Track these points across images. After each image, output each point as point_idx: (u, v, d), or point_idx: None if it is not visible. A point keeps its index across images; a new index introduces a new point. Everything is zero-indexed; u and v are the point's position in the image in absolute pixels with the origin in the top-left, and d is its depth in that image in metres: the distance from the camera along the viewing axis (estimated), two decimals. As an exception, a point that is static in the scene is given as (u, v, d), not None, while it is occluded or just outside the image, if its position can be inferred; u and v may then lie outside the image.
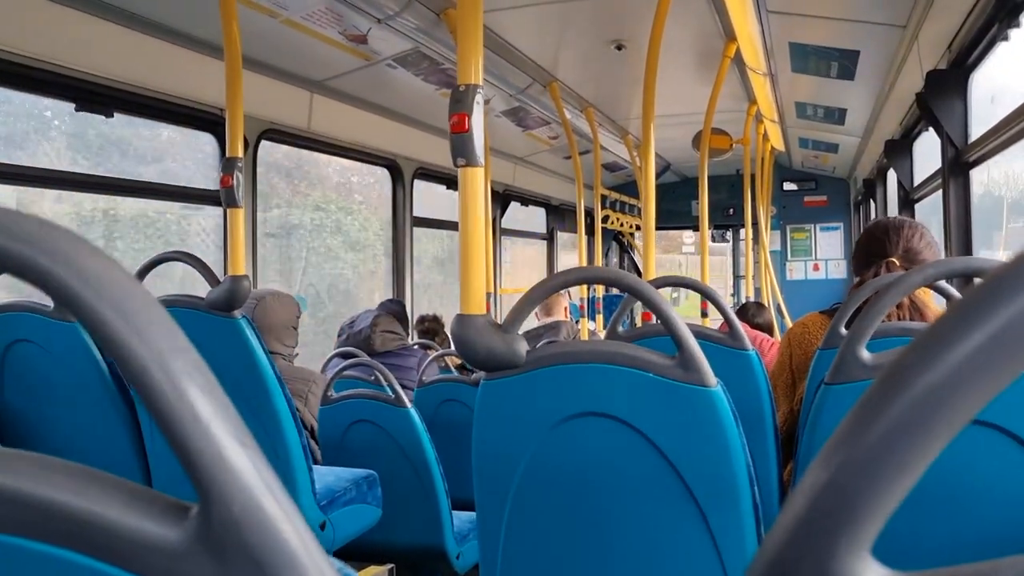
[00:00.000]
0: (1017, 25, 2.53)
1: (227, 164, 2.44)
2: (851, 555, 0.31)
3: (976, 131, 3.10)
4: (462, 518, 2.92)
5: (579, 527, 1.45)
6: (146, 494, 0.39)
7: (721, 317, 2.16)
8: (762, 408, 2.00)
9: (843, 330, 1.88)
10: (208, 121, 3.65)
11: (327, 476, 2.52)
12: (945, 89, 3.07)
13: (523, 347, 1.43)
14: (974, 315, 0.30)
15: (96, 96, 3.08)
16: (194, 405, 0.37)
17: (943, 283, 1.78)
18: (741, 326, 2.13)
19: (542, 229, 8.17)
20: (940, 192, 3.38)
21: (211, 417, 0.37)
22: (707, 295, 2.28)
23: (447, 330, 5.13)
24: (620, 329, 2.24)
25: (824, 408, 1.36)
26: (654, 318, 3.30)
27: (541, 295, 1.45)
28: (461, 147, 1.51)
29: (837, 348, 1.87)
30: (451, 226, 6.19)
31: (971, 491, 1.18)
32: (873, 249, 2.12)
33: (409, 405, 2.73)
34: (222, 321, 2.18)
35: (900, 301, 1.98)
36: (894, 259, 2.07)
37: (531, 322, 4.98)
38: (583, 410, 1.40)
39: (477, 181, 1.53)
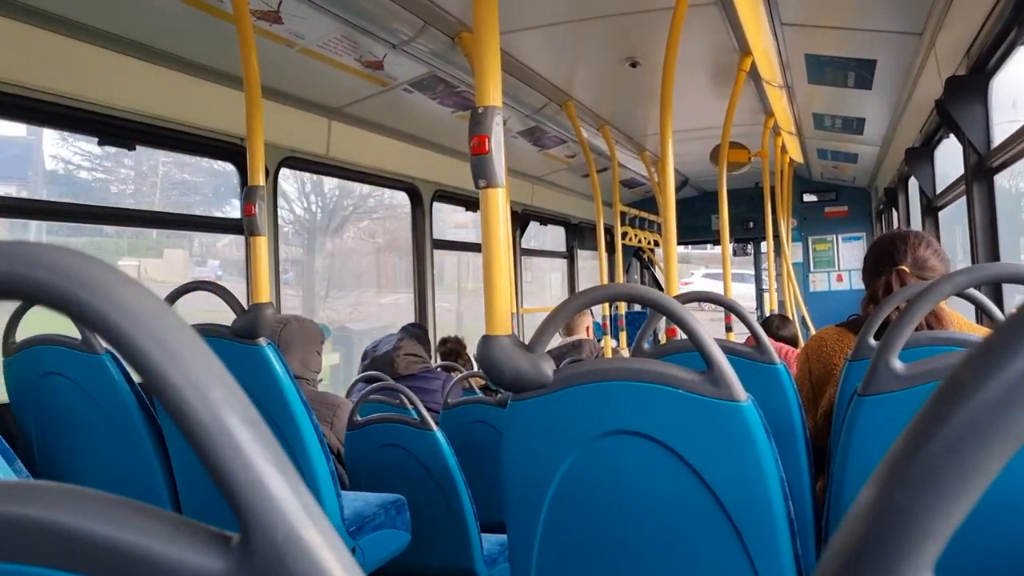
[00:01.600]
0: None
1: (249, 193, 2.46)
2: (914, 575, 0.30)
3: (998, 136, 3.07)
4: (491, 541, 2.90)
5: (612, 546, 1.44)
6: (187, 525, 0.39)
7: (746, 331, 2.14)
8: (793, 421, 1.97)
9: (872, 341, 1.86)
10: (228, 151, 3.68)
11: (355, 501, 2.51)
12: (965, 95, 3.05)
13: (550, 367, 1.42)
14: None
15: (119, 130, 3.12)
16: (233, 435, 0.36)
17: (973, 291, 1.76)
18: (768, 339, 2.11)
19: (562, 248, 8.17)
20: (963, 199, 3.35)
21: (251, 446, 0.37)
22: (733, 310, 2.26)
23: (469, 351, 5.13)
24: (645, 346, 2.23)
25: (858, 419, 1.34)
26: (679, 334, 3.29)
27: (567, 314, 1.45)
28: (482, 169, 1.51)
29: (866, 359, 1.85)
30: (472, 248, 6.21)
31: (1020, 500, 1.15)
32: (883, 259, 2.13)
33: (435, 428, 2.72)
34: (247, 348, 2.19)
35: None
36: (904, 267, 2.07)
37: (553, 341, 4.95)
38: (613, 428, 1.38)
39: (499, 202, 1.53)
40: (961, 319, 2.09)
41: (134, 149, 3.23)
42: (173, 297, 2.35)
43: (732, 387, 1.32)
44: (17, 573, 0.40)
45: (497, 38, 1.55)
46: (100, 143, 3.09)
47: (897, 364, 1.31)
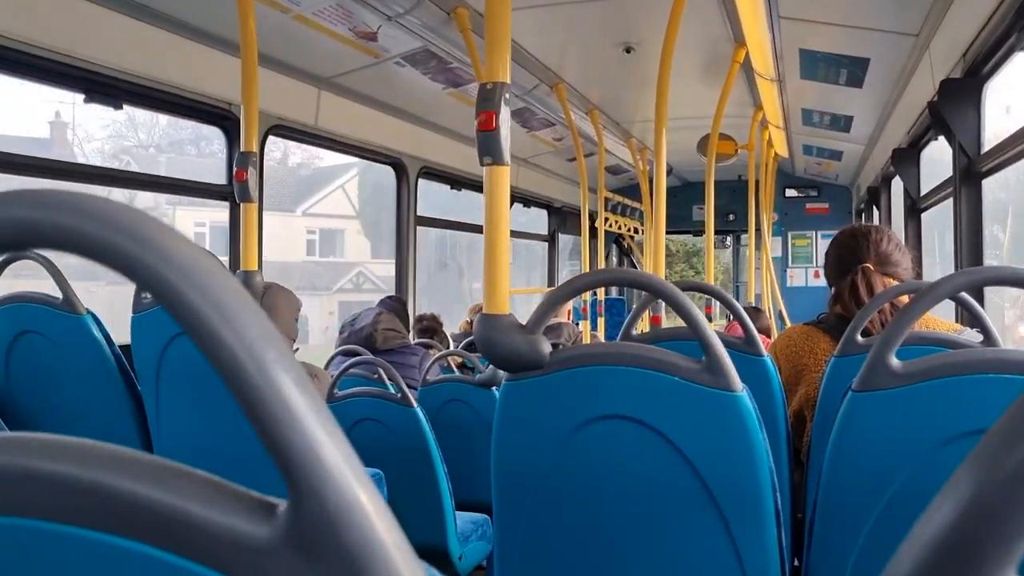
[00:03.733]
0: None
1: (241, 158, 2.42)
2: (1000, 573, 0.29)
3: (988, 141, 3.09)
4: (464, 519, 2.91)
5: (599, 530, 1.44)
6: (232, 490, 0.38)
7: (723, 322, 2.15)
8: (777, 414, 1.99)
9: (859, 338, 1.88)
10: (217, 115, 3.63)
11: (332, 475, 2.49)
12: (959, 98, 3.06)
13: (546, 348, 1.42)
14: None
15: (105, 87, 3.06)
16: (287, 399, 0.36)
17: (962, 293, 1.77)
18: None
19: (544, 231, 8.15)
20: (947, 201, 3.38)
21: (305, 411, 0.36)
22: (724, 300, 2.27)
23: (445, 329, 5.12)
24: (633, 332, 2.22)
25: (852, 415, 1.35)
26: (662, 322, 3.30)
27: (566, 295, 1.44)
28: (488, 145, 1.50)
29: (852, 355, 1.87)
30: (454, 226, 6.18)
31: None
32: (846, 257, 2.14)
33: (415, 404, 2.71)
34: None
35: (881, 310, 1.99)
36: (868, 265, 2.08)
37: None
38: (607, 413, 1.38)
39: (504, 180, 1.52)
40: (928, 317, 2.11)
41: (121, 108, 3.17)
42: None
43: (729, 377, 1.32)
44: (49, 532, 0.39)
45: (509, 13, 1.53)
46: (86, 100, 3.03)
47: (894, 362, 1.32)
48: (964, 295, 1.79)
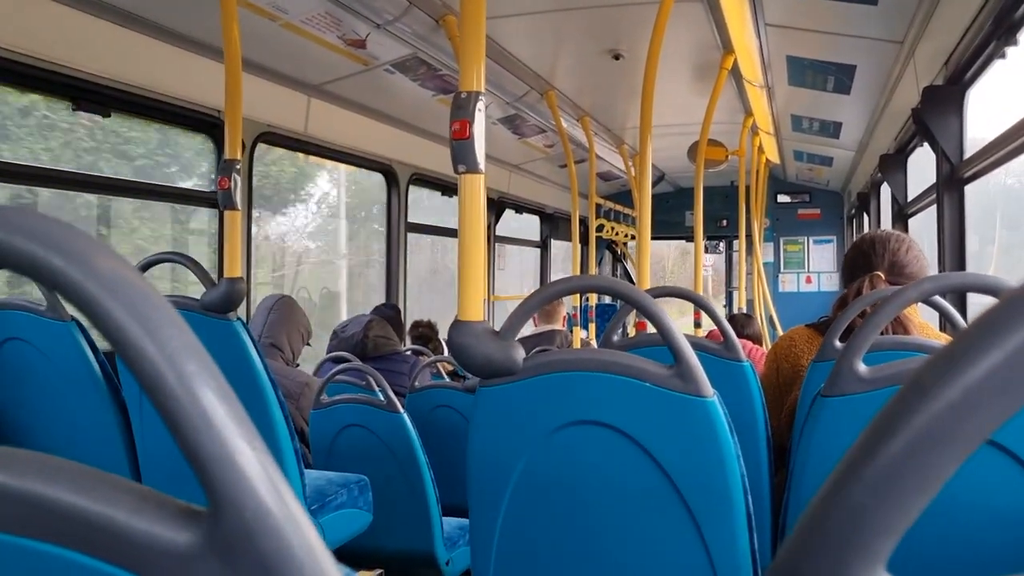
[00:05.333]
0: (1015, 43, 2.54)
1: (225, 166, 2.43)
2: (866, 570, 0.31)
3: (970, 147, 3.11)
4: (452, 524, 2.91)
5: (572, 535, 1.45)
6: (155, 497, 0.39)
7: (711, 326, 2.16)
8: (755, 418, 2.00)
9: (837, 343, 1.89)
10: (205, 123, 3.64)
11: (318, 480, 2.51)
12: (941, 105, 3.08)
13: (520, 354, 1.43)
14: (992, 334, 0.30)
15: (93, 95, 3.07)
16: (207, 409, 0.36)
17: (937, 298, 1.78)
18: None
19: (536, 237, 8.17)
20: (934, 207, 3.40)
21: (224, 421, 0.37)
22: (702, 306, 2.28)
23: (440, 337, 5.13)
24: (614, 338, 2.24)
25: (819, 420, 1.36)
26: (648, 327, 3.31)
27: (539, 303, 1.45)
28: (462, 154, 1.51)
29: (831, 361, 1.88)
30: (446, 232, 6.20)
31: (969, 509, 1.18)
32: (859, 262, 2.14)
33: (401, 410, 2.72)
34: (217, 323, 2.18)
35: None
36: (879, 273, 2.08)
37: (527, 328, 4.96)
38: (579, 418, 1.40)
39: (478, 188, 1.53)
40: (927, 326, 2.13)
41: (109, 116, 3.18)
42: (142, 268, 2.32)
43: (699, 383, 1.33)
44: None
45: (483, 23, 1.55)
46: (74, 108, 3.04)
47: (860, 367, 1.33)
48: (939, 300, 1.80)
